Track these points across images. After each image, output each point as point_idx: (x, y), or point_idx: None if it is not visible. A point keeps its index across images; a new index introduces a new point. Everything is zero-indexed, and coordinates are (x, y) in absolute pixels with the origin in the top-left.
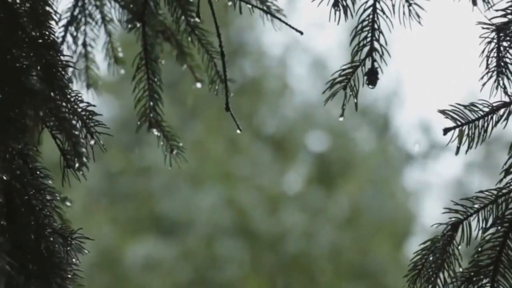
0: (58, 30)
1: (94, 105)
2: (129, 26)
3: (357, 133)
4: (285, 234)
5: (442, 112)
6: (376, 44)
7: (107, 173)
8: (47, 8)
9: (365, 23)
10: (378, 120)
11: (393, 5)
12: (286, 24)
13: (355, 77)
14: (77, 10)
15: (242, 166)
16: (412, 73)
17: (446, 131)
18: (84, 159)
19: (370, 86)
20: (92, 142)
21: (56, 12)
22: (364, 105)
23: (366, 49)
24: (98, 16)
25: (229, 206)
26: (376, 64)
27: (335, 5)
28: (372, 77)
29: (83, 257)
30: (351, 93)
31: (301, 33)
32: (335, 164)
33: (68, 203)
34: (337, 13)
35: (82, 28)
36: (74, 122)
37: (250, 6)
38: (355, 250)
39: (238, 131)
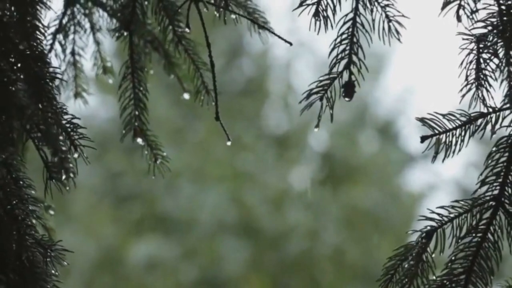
0: (46, 38)
1: (78, 118)
2: (117, 34)
3: (361, 134)
4: (289, 234)
5: (420, 120)
6: (354, 58)
7: (110, 173)
8: (35, 21)
9: (344, 36)
10: (381, 121)
11: (373, 20)
12: (275, 35)
13: (332, 89)
14: (66, 18)
15: (246, 165)
16: (414, 74)
17: (423, 138)
18: (71, 174)
19: (346, 99)
20: (76, 155)
21: (44, 26)
22: (367, 106)
23: (344, 61)
24: (87, 25)
25: (232, 205)
26: (353, 77)
27: (316, 15)
28: (349, 90)
29: (86, 257)
30: (327, 104)
31: (290, 44)
32: (339, 165)
33: (51, 212)
34: (317, 23)
35: (71, 36)
36: (61, 137)
37: (234, 17)
38: (358, 251)
39: (228, 143)
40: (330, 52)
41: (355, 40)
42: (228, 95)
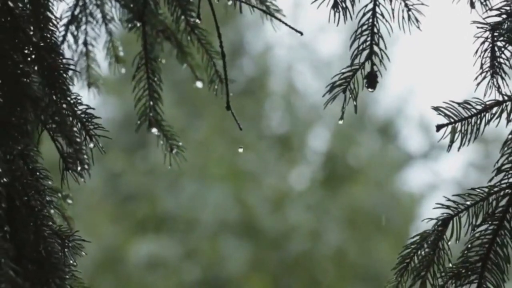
0: (59, 29)
1: (93, 108)
2: (129, 25)
3: (361, 134)
4: (290, 234)
5: (436, 109)
6: (375, 48)
7: (111, 173)
8: (48, 13)
9: (365, 27)
10: (380, 121)
11: (393, 10)
12: (286, 24)
13: (355, 80)
14: (77, 9)
15: (247, 165)
16: (413, 74)
17: (439, 127)
18: (86, 165)
19: (369, 90)
20: (91, 145)
21: (56, 17)
22: (367, 106)
23: (365, 52)
24: (98, 15)
25: (234, 205)
26: (375, 68)
27: (335, 6)
28: (372, 80)
29: (87, 257)
30: (350, 96)
31: (301, 33)
32: (339, 165)
33: (69, 201)
34: (337, 14)
35: (83, 27)
36: (75, 128)
37: (250, 6)
38: (358, 251)
39: (240, 130)
40: (351, 44)
41: (375, 30)
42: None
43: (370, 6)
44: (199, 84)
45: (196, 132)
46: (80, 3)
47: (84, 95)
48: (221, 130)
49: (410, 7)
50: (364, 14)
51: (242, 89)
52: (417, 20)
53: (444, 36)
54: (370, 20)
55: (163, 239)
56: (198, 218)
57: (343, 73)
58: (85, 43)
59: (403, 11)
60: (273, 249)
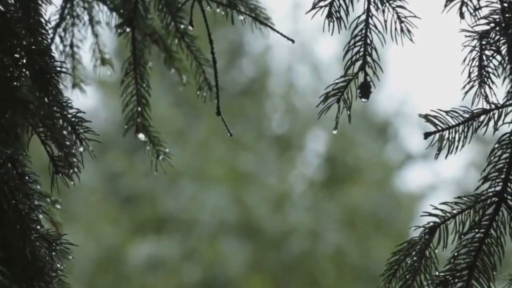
0: (48, 33)
1: (83, 112)
2: (119, 31)
3: (360, 134)
4: (289, 234)
5: (424, 117)
6: (368, 59)
7: (111, 174)
8: (38, 16)
9: (358, 38)
10: (380, 121)
11: (385, 21)
12: (278, 32)
13: (349, 90)
14: (65, 12)
15: (247, 165)
16: (412, 74)
17: (426, 135)
18: (76, 169)
19: (363, 100)
20: (81, 149)
21: (46, 21)
22: (366, 107)
23: (359, 63)
24: (85, 17)
25: (233, 205)
26: (368, 78)
27: (329, 16)
28: (365, 91)
29: (87, 257)
30: (344, 105)
31: (293, 41)
32: (339, 165)
33: (58, 206)
34: (331, 24)
35: (70, 29)
36: (65, 132)
37: (243, 18)
38: (358, 251)
39: (230, 136)
40: (345, 55)
41: (368, 41)
42: (228, 95)
43: (363, 17)
44: (181, 89)
45: (195, 133)
46: (68, 5)
47: (67, 95)
48: (220, 131)
49: (403, 19)
50: (357, 25)
51: (242, 90)
52: (409, 32)
53: (443, 37)
54: (363, 31)
55: (163, 239)
56: (198, 219)
57: (337, 83)
58: (71, 45)
59: (395, 22)
60: (273, 250)
